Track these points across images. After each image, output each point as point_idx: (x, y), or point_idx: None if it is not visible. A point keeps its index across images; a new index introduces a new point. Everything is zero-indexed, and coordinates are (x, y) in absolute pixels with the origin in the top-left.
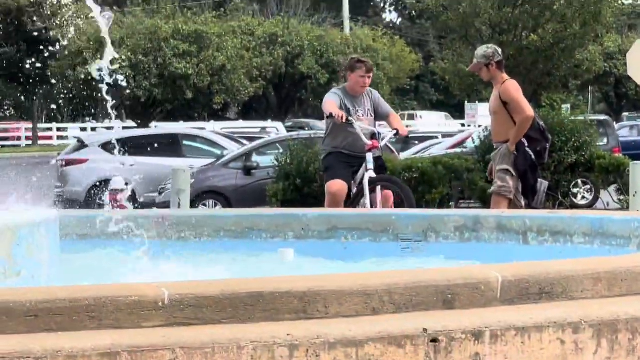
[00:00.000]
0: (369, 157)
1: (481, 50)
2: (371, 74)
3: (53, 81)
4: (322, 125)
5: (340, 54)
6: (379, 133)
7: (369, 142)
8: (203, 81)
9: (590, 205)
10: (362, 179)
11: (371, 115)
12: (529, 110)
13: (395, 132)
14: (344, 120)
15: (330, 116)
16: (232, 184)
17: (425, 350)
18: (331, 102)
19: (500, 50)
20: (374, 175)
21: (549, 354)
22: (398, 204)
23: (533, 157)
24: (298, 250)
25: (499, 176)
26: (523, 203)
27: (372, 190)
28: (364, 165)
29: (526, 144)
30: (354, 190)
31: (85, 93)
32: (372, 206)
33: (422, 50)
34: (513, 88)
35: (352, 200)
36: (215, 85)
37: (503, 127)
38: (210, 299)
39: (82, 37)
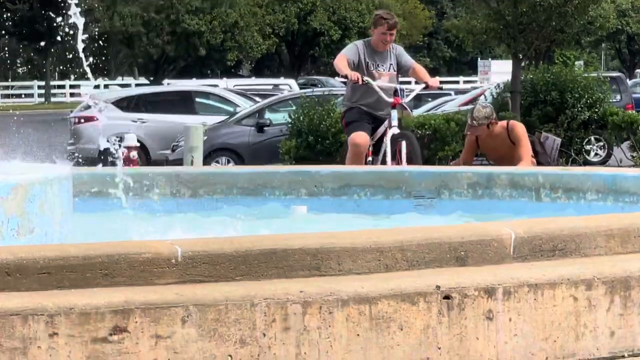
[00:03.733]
0: (394, 113)
1: (480, 112)
2: (394, 31)
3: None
4: (334, 82)
5: (353, 10)
6: (401, 89)
7: (391, 100)
8: (216, 38)
9: (603, 162)
10: (384, 135)
11: (394, 70)
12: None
13: (424, 85)
14: (359, 82)
15: (345, 77)
16: (244, 141)
17: (438, 307)
18: (341, 60)
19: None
20: (397, 131)
21: (562, 310)
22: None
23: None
24: (311, 207)
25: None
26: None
27: (396, 146)
28: (385, 122)
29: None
30: (371, 148)
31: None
32: (394, 162)
33: (435, 7)
34: (522, 129)
35: (382, 159)
36: (228, 42)
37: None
38: (223, 256)
39: None
